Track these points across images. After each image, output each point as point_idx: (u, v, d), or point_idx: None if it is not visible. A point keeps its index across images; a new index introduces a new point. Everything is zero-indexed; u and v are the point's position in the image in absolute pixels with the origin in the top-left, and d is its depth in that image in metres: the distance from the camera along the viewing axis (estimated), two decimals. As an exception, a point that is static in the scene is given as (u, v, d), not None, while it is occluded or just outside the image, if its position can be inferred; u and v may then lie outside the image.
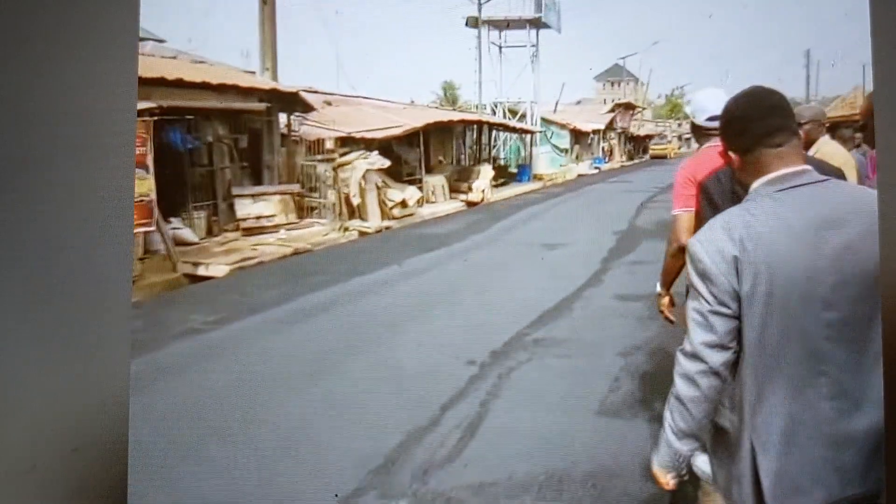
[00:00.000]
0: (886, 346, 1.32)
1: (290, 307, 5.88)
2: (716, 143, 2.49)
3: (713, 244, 1.36)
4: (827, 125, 2.94)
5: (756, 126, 1.40)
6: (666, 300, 2.66)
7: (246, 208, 8.76)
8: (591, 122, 18.83)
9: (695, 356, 1.36)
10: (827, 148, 2.91)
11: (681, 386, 1.38)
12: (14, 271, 1.44)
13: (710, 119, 2.52)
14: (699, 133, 2.61)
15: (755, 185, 1.42)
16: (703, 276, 1.36)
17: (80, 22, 1.48)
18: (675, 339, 4.71)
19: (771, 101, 1.42)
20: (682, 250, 2.52)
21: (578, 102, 20.83)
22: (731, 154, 1.46)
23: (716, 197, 2.09)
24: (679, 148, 21.72)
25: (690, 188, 2.45)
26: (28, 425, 1.45)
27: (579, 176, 17.05)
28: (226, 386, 4.03)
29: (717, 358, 1.35)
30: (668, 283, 2.64)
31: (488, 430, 3.39)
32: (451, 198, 12.24)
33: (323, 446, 3.19)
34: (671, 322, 2.68)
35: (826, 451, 1.33)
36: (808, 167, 1.39)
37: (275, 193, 8.97)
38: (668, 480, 1.44)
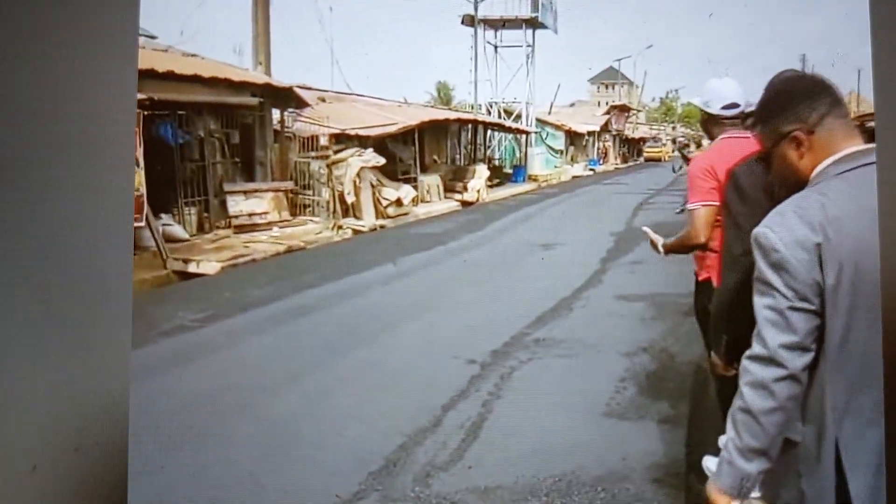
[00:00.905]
0: (886, 346, 1.21)
1: (283, 305, 5.80)
2: (732, 134, 2.42)
3: (789, 231, 1.21)
4: None
5: (823, 96, 1.28)
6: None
7: (238, 205, 8.62)
8: (586, 123, 18.85)
9: (771, 360, 1.20)
10: None
11: (751, 397, 1.21)
12: (13, 271, 1.42)
13: (727, 107, 2.41)
14: (713, 123, 2.49)
15: (821, 166, 1.27)
16: (779, 267, 1.21)
17: (80, 19, 1.46)
18: (679, 341, 4.70)
19: (818, 77, 1.32)
20: (703, 248, 2.41)
21: (572, 104, 20.86)
22: (798, 135, 1.29)
23: (747, 186, 1.96)
24: (672, 151, 21.78)
25: (709, 180, 2.33)
26: (29, 425, 1.43)
27: (574, 177, 17.07)
28: (215, 385, 3.92)
29: (798, 361, 1.20)
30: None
31: (492, 432, 3.31)
32: (446, 197, 12.17)
33: (320, 448, 3.11)
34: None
35: None
36: (873, 145, 1.26)
37: (267, 190, 8.83)
38: None
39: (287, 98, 9.68)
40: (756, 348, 1.23)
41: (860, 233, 1.19)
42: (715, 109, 2.44)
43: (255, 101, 9.16)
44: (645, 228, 2.66)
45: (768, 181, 1.93)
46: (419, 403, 3.58)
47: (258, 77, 9.61)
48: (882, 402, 1.19)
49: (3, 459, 1.40)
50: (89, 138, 1.46)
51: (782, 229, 1.22)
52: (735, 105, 2.41)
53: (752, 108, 2.52)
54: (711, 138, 2.53)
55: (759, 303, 1.24)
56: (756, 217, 1.96)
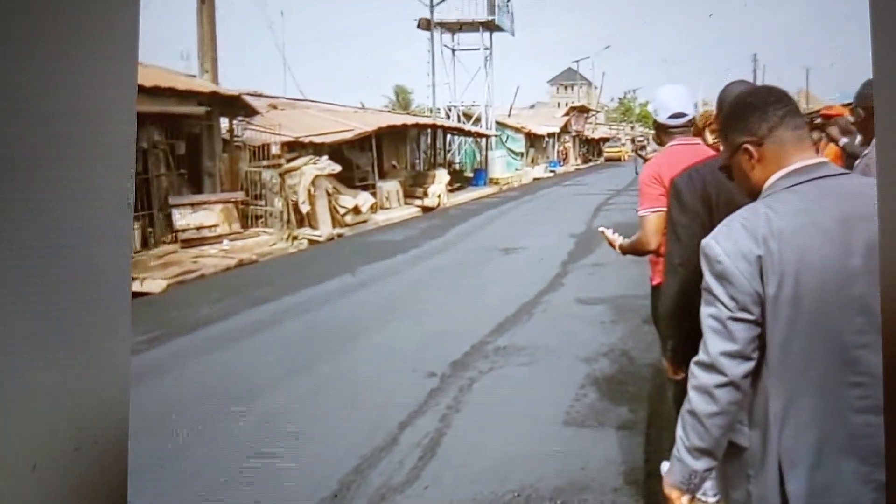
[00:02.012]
0: (886, 346, 1.25)
1: (234, 323, 5.59)
2: (680, 141, 2.45)
3: (733, 243, 1.24)
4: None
5: (776, 108, 1.31)
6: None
7: (185, 218, 8.30)
8: (546, 125, 18.98)
9: (712, 367, 1.25)
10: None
11: (696, 400, 1.27)
12: (13, 271, 1.44)
13: (673, 116, 2.45)
14: (662, 131, 2.52)
15: (772, 179, 1.30)
16: (722, 277, 1.24)
17: (80, 21, 1.48)
18: (639, 344, 4.67)
19: (778, 89, 1.35)
20: (656, 254, 2.41)
21: (532, 106, 21.00)
22: (748, 147, 1.33)
23: (686, 196, 1.97)
24: (632, 151, 22.15)
25: (657, 187, 2.35)
26: (29, 425, 1.45)
27: (535, 179, 17.16)
28: (163, 410, 3.73)
29: (738, 369, 1.24)
30: None
31: (450, 448, 3.21)
32: (405, 203, 12.04)
33: (274, 474, 3.00)
34: None
35: (860, 466, 1.23)
36: (826, 159, 1.32)
37: (216, 202, 8.53)
38: (682, 502, 1.33)
39: (236, 106, 9.41)
40: (701, 354, 1.28)
41: (804, 245, 1.22)
42: (663, 118, 2.48)
43: (201, 110, 8.87)
44: (601, 229, 2.65)
45: (706, 192, 1.91)
46: (377, 421, 3.48)
47: (204, 85, 9.30)
48: (820, 407, 1.24)
49: (4, 459, 1.41)
50: (89, 138, 1.47)
51: (727, 241, 1.25)
52: (683, 114, 2.46)
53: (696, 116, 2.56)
54: (662, 145, 2.55)
55: (704, 311, 1.28)
56: (694, 227, 1.99)
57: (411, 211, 11.90)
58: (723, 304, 1.24)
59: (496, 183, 15.77)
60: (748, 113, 1.33)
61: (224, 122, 9.56)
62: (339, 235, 9.50)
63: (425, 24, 15.53)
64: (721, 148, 2.14)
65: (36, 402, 1.44)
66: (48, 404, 1.44)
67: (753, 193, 1.34)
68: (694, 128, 2.54)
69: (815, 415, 1.23)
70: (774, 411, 1.25)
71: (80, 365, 1.45)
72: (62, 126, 1.46)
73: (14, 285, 1.43)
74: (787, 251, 1.22)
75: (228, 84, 9.74)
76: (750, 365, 1.25)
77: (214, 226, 8.37)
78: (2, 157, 1.43)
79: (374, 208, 10.60)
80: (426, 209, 12.12)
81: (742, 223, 1.26)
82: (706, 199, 1.96)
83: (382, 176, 12.08)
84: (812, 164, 1.28)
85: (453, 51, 16.23)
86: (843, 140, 3.33)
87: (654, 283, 2.50)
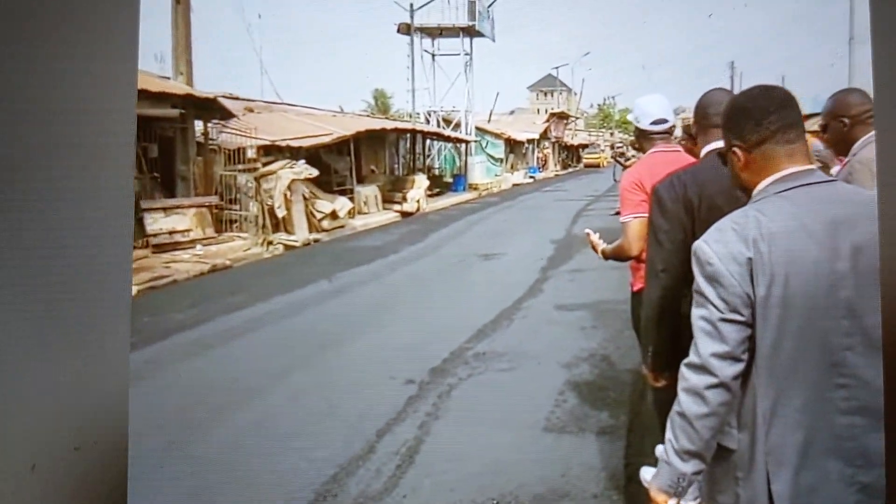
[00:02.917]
0: (886, 346, 1.27)
1: (208, 329, 5.48)
2: (661, 148, 2.49)
3: (724, 245, 1.27)
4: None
5: (772, 119, 1.33)
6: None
7: (157, 223, 8.11)
8: (526, 131, 19.06)
9: (703, 369, 1.26)
10: (873, 152, 2.40)
11: (686, 402, 1.28)
12: (14, 271, 1.44)
13: (655, 123, 2.49)
14: (644, 138, 2.56)
15: (763, 184, 1.34)
16: (713, 280, 1.26)
17: (80, 22, 1.48)
18: (619, 349, 4.67)
19: (783, 94, 1.35)
20: (637, 260, 2.41)
21: (512, 112, 21.08)
22: (737, 150, 1.37)
23: (668, 202, 1.97)
24: (611, 157, 22.35)
25: (639, 193, 2.37)
26: (29, 425, 1.44)
27: (514, 185, 17.20)
28: (134, 420, 3.57)
29: (728, 370, 1.25)
30: None
31: (428, 455, 3.20)
32: (384, 208, 11.96)
33: (250, 486, 2.96)
34: None
35: (846, 467, 1.25)
36: (815, 167, 1.33)
37: (190, 206, 8.36)
38: None
39: (211, 109, 9.25)
40: (691, 356, 1.29)
41: (793, 248, 1.24)
42: (644, 125, 2.51)
43: (175, 112, 8.69)
44: (587, 231, 2.67)
45: (688, 198, 1.92)
46: (354, 429, 3.44)
47: (179, 87, 9.11)
48: (806, 408, 1.25)
49: (4, 458, 1.41)
50: (90, 138, 1.47)
51: (718, 243, 1.28)
52: (664, 121, 2.50)
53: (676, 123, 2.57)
54: (643, 152, 2.57)
55: (695, 313, 1.30)
56: (676, 233, 1.98)
57: (390, 216, 11.81)
58: (714, 305, 1.26)
59: (476, 188, 15.77)
60: (743, 119, 1.35)
61: (199, 125, 9.39)
62: (316, 241, 9.38)
63: (405, 29, 15.49)
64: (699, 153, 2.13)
65: (36, 402, 1.43)
66: (48, 404, 1.44)
67: (741, 187, 1.39)
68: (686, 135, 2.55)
69: (801, 416, 1.25)
70: (762, 412, 1.26)
71: (80, 365, 1.45)
72: (62, 126, 1.46)
73: (14, 285, 1.42)
74: (777, 254, 1.24)
75: (204, 86, 9.58)
76: (740, 366, 1.26)
77: (187, 230, 8.19)
78: (2, 157, 1.42)
79: (352, 213, 10.49)
80: (405, 214, 12.05)
81: (733, 226, 1.28)
82: (688, 206, 1.96)
83: (361, 180, 11.98)
84: (802, 170, 1.31)
85: (433, 56, 16.21)
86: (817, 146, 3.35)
87: (635, 288, 2.50)
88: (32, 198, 1.44)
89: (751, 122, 1.34)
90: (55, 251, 1.46)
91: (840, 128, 2.29)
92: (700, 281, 1.28)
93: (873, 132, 2.34)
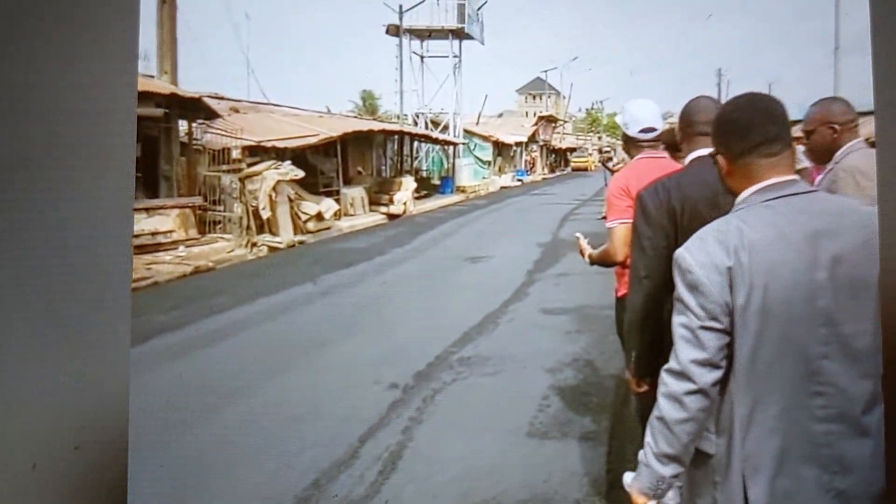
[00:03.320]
0: (887, 346, 1.30)
1: (189, 332, 5.40)
2: (648, 155, 2.49)
3: (705, 254, 1.28)
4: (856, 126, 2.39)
5: (756, 133, 1.35)
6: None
7: (139, 223, 8.01)
8: (514, 134, 19.09)
9: (682, 375, 1.28)
10: (856, 160, 2.31)
11: (666, 407, 1.30)
12: (14, 271, 1.45)
13: (644, 131, 2.49)
14: (631, 144, 2.56)
15: (746, 193, 1.36)
16: (693, 288, 1.28)
17: (80, 22, 1.48)
18: (603, 354, 4.67)
19: (770, 107, 1.37)
20: (622, 266, 2.40)
21: (501, 115, 21.10)
22: (721, 158, 1.40)
23: (652, 209, 1.97)
24: (598, 161, 22.45)
25: (625, 199, 2.37)
26: (29, 424, 1.46)
27: (502, 188, 17.21)
28: None
29: (707, 377, 1.27)
30: None
31: (411, 461, 3.16)
32: (371, 210, 11.90)
33: (231, 491, 2.93)
34: None
35: (822, 474, 1.27)
36: (797, 177, 1.35)
37: (173, 207, 8.25)
38: None
39: (196, 109, 9.13)
40: (671, 362, 1.31)
41: (773, 258, 1.26)
42: (633, 132, 2.52)
43: (159, 112, 8.57)
44: (578, 234, 2.68)
45: (671, 205, 1.91)
46: (337, 434, 3.40)
47: (163, 86, 9.00)
48: (783, 415, 1.27)
49: (4, 458, 1.42)
50: (89, 138, 1.48)
51: (700, 252, 1.29)
52: (652, 129, 2.51)
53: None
54: (631, 157, 2.57)
55: (676, 320, 1.31)
56: (659, 240, 1.97)
57: (376, 218, 11.75)
58: (694, 313, 1.27)
59: (463, 191, 15.76)
60: (727, 130, 1.38)
61: (183, 125, 9.27)
62: (301, 242, 9.30)
63: (394, 31, 15.45)
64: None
65: (36, 401, 1.44)
66: (48, 403, 1.45)
67: (728, 191, 1.41)
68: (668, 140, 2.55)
69: (778, 423, 1.27)
70: (739, 418, 1.28)
71: (80, 364, 1.46)
72: (62, 126, 1.47)
73: (14, 285, 1.43)
74: (757, 263, 1.25)
75: (189, 86, 9.47)
76: (719, 373, 1.28)
77: (170, 231, 8.08)
78: (2, 157, 1.43)
79: (337, 215, 10.42)
80: (392, 216, 11.99)
81: (714, 235, 1.30)
82: (671, 213, 1.96)
83: (347, 182, 11.91)
84: (784, 180, 1.33)
85: (422, 57, 16.20)
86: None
87: (619, 294, 2.50)
88: (32, 198, 1.45)
89: (734, 134, 1.36)
90: (55, 251, 1.46)
91: (830, 134, 2.31)
92: (681, 289, 1.30)
93: (857, 140, 2.35)
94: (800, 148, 3.21)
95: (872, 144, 2.53)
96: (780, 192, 1.31)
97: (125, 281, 1.51)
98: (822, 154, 2.36)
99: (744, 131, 1.35)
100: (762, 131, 1.34)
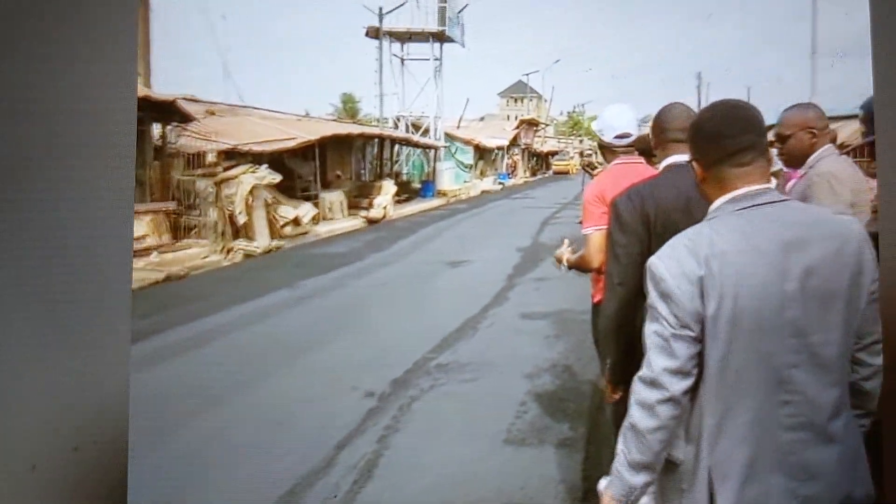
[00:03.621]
0: (887, 346, 1.32)
1: (160, 341, 5.28)
2: (624, 161, 2.50)
3: (677, 262, 1.29)
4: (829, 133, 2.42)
5: (728, 143, 1.35)
6: None
7: (110, 229, 7.79)
8: (495, 137, 19.11)
9: (655, 383, 1.29)
10: (830, 165, 2.31)
11: (638, 415, 1.31)
12: (14, 272, 1.44)
13: (619, 137, 2.50)
14: (607, 150, 2.56)
15: (718, 202, 1.37)
16: (666, 296, 1.29)
17: (80, 23, 1.48)
18: (581, 359, 4.67)
19: (746, 116, 1.37)
20: (598, 272, 2.39)
21: (482, 118, 21.11)
22: (696, 165, 1.41)
23: (626, 216, 1.98)
24: (579, 165, 22.57)
25: (600, 206, 2.37)
26: (29, 425, 1.45)
27: (483, 192, 17.21)
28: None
29: (679, 385, 1.28)
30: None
31: (387, 469, 3.15)
32: (350, 215, 11.80)
33: (199, 497, 2.91)
34: None
35: (789, 482, 1.28)
36: (771, 186, 1.36)
37: (146, 212, 8.08)
38: None
39: (170, 111, 8.96)
40: (644, 370, 1.31)
41: (744, 267, 1.26)
42: (608, 138, 2.52)
43: (131, 114, 8.37)
44: (566, 239, 2.67)
45: (645, 211, 1.90)
46: (313, 442, 3.37)
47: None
48: (752, 424, 1.28)
49: (3, 458, 1.42)
50: (89, 139, 1.48)
51: (671, 261, 1.30)
52: (627, 135, 2.51)
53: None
54: (608, 163, 2.58)
55: (648, 328, 1.32)
56: (633, 247, 1.96)
57: (356, 223, 11.66)
58: (666, 321, 1.28)
59: (444, 195, 15.71)
60: (703, 138, 1.39)
61: (157, 128, 9.11)
62: (278, 248, 9.18)
63: (374, 33, 15.37)
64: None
65: (36, 402, 1.44)
66: (48, 404, 1.44)
67: (703, 198, 1.43)
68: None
69: (748, 431, 1.28)
70: (708, 427, 1.29)
71: (79, 365, 1.46)
72: (63, 126, 1.46)
73: (15, 286, 1.42)
74: (728, 272, 1.26)
75: (164, 88, 9.30)
76: (690, 381, 1.29)
77: (143, 237, 7.92)
78: (2, 157, 1.42)
79: (316, 219, 10.31)
80: (371, 221, 11.91)
81: (686, 244, 1.31)
82: (645, 219, 1.97)
83: (326, 186, 11.80)
84: (757, 189, 1.33)
85: (402, 60, 16.13)
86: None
87: (595, 300, 2.50)
88: (33, 198, 1.44)
89: (707, 142, 1.38)
90: (56, 251, 1.46)
91: (809, 139, 2.34)
92: (653, 297, 1.31)
93: (829, 145, 2.37)
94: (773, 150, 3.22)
95: (842, 149, 2.55)
96: (753, 202, 1.32)
97: (125, 281, 1.50)
98: (798, 158, 2.38)
99: (717, 139, 1.36)
100: (735, 140, 1.34)
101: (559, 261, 2.59)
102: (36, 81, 1.45)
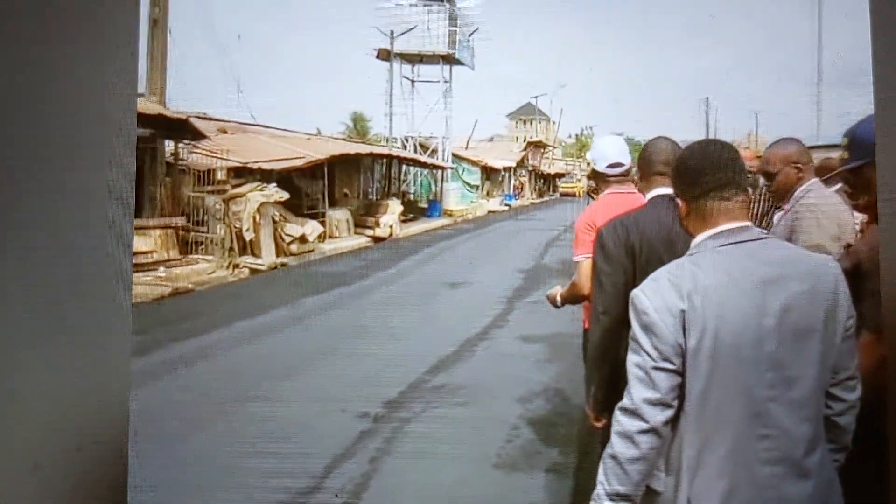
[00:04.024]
0: (887, 346, 1.38)
1: (158, 357, 5.35)
2: (616, 190, 2.58)
3: (659, 296, 1.33)
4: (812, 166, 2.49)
5: (707, 179, 1.41)
6: None
7: (119, 243, 7.89)
8: (503, 159, 19.19)
9: (635, 414, 1.31)
10: (816, 198, 2.37)
11: (619, 445, 1.33)
12: (15, 272, 1.43)
13: (611, 166, 2.56)
14: (600, 179, 2.63)
15: (700, 238, 1.42)
16: (648, 329, 1.32)
17: (81, 24, 1.48)
18: (572, 383, 4.68)
19: (725, 154, 1.43)
20: (589, 299, 2.41)
21: (491, 139, 21.24)
22: (679, 201, 1.47)
23: (611, 246, 2.03)
24: (585, 189, 22.57)
25: (591, 233, 2.41)
26: (31, 426, 1.45)
27: (489, 212, 17.24)
28: None
29: (659, 416, 1.31)
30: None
31: (377, 492, 3.18)
32: (356, 233, 11.86)
33: None
34: None
35: None
36: (750, 223, 1.41)
37: (155, 227, 8.20)
38: None
39: (182, 129, 9.14)
40: (625, 401, 1.34)
41: (725, 303, 1.31)
42: (601, 168, 2.58)
43: (145, 132, 8.58)
44: (557, 286, 2.71)
45: (629, 241, 1.96)
46: (302, 464, 3.38)
47: (149, 108, 9.01)
48: (730, 457, 1.30)
49: (5, 459, 1.42)
50: (90, 139, 1.48)
51: (654, 294, 1.34)
52: (619, 164, 2.57)
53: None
54: (599, 192, 2.65)
55: (630, 360, 1.35)
56: (618, 276, 2.03)
57: (361, 241, 11.72)
58: (647, 353, 1.31)
59: (450, 215, 15.76)
60: (683, 176, 1.45)
61: (169, 145, 9.27)
62: (283, 265, 9.25)
63: (385, 55, 15.61)
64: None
65: (38, 403, 1.44)
66: (50, 405, 1.45)
67: (687, 232, 1.49)
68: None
69: (726, 464, 1.30)
70: (688, 459, 1.32)
71: (81, 366, 1.46)
72: (64, 127, 1.47)
73: (16, 286, 1.42)
74: (709, 307, 1.30)
75: (178, 106, 9.49)
76: (670, 413, 1.31)
77: (151, 252, 8.02)
78: (3, 158, 1.43)
79: (322, 237, 10.39)
80: (377, 239, 11.97)
81: (669, 278, 1.35)
82: (630, 249, 2.02)
83: (333, 204, 11.90)
84: (737, 227, 1.38)
85: (412, 82, 16.34)
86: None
87: (586, 326, 2.56)
88: (33, 198, 1.44)
89: (688, 179, 1.44)
90: (57, 252, 1.46)
91: (795, 173, 2.42)
92: (636, 329, 1.34)
93: (814, 179, 2.44)
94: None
95: (826, 182, 2.63)
96: (734, 239, 1.37)
97: (126, 283, 1.52)
98: (785, 193, 2.44)
99: (695, 177, 1.42)
100: (716, 176, 1.40)
101: (552, 302, 2.65)
102: (37, 83, 1.46)
